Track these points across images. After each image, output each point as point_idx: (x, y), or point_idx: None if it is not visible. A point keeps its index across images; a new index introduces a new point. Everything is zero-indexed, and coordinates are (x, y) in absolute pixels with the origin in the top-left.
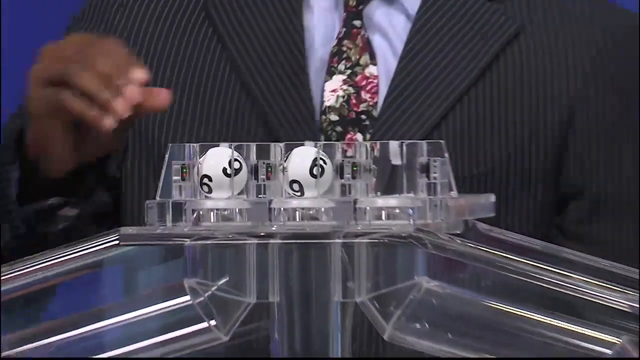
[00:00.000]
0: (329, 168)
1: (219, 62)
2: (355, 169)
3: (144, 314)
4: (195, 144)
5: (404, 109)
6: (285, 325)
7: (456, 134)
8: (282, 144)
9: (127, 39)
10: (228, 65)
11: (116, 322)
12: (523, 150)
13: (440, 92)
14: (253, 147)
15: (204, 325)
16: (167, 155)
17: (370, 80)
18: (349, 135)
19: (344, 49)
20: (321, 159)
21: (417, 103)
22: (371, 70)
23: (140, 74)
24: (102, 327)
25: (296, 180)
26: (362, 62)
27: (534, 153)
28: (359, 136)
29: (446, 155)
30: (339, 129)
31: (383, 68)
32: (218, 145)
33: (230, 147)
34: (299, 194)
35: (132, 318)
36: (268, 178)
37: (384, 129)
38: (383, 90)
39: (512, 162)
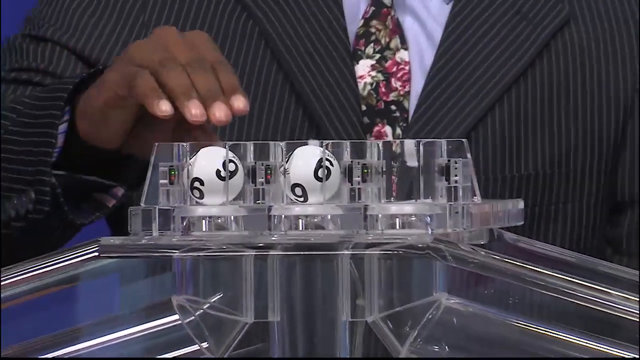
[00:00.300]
0: (336, 170)
1: (257, 50)
2: (365, 171)
3: (126, 336)
4: (184, 143)
5: (443, 102)
6: (287, 348)
7: (504, 130)
8: (282, 143)
9: None
10: (268, 54)
11: (95, 345)
12: (576, 149)
13: (484, 83)
14: (250, 146)
15: (195, 347)
16: (152, 156)
17: (401, 66)
18: (377, 128)
19: (372, 30)
20: (327, 159)
21: (458, 95)
22: (402, 55)
23: (241, 102)
24: (79, 350)
25: (299, 184)
26: (392, 45)
27: (588, 153)
28: (388, 129)
29: (469, 155)
30: (366, 120)
31: (416, 53)
32: (211, 145)
33: (225, 147)
34: (301, 199)
35: (113, 340)
36: (267, 181)
37: (421, 123)
38: (416, 79)
39: (563, 162)
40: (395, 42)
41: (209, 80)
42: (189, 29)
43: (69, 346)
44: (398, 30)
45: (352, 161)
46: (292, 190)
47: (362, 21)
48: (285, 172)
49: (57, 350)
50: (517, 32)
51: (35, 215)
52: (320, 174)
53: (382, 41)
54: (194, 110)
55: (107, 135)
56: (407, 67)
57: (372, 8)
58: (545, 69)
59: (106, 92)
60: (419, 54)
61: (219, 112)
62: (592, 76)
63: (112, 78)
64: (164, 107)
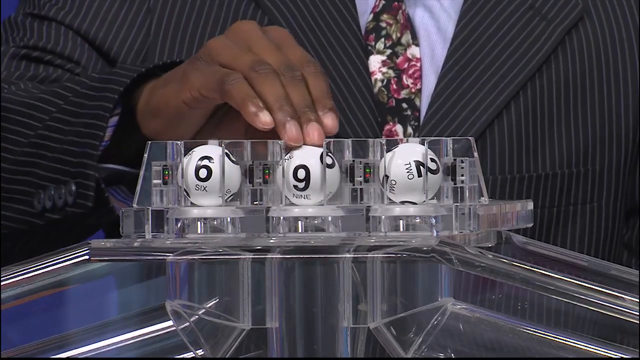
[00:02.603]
0: (336, 169)
1: None
2: (367, 170)
3: (118, 342)
4: (179, 142)
5: (456, 100)
6: (286, 355)
7: (520, 128)
8: (281, 141)
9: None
10: None
11: (84, 352)
12: (594, 148)
13: (498, 80)
14: (247, 145)
15: (190, 355)
16: (145, 155)
17: (412, 63)
18: (387, 127)
19: (383, 24)
20: (328, 155)
21: (472, 93)
22: (413, 51)
23: (331, 120)
24: (67, 357)
25: (303, 165)
26: (403, 41)
27: (606, 152)
28: (399, 128)
29: (475, 154)
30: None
31: (427, 49)
32: (206, 143)
33: (221, 145)
34: (303, 184)
35: (104, 347)
36: (265, 181)
37: (433, 122)
38: (428, 76)
39: (581, 162)
40: (407, 37)
41: (302, 94)
42: (195, 18)
43: (58, 353)
44: (409, 25)
45: (353, 160)
46: (294, 174)
47: (372, 15)
48: (288, 158)
49: (45, 358)
50: (530, 28)
51: (75, 209)
52: (326, 160)
53: (393, 36)
54: (291, 133)
55: (179, 133)
56: (418, 64)
57: (382, 2)
58: (561, 65)
59: (189, 92)
60: (430, 50)
61: (313, 133)
62: (609, 73)
63: (197, 78)
64: (266, 119)
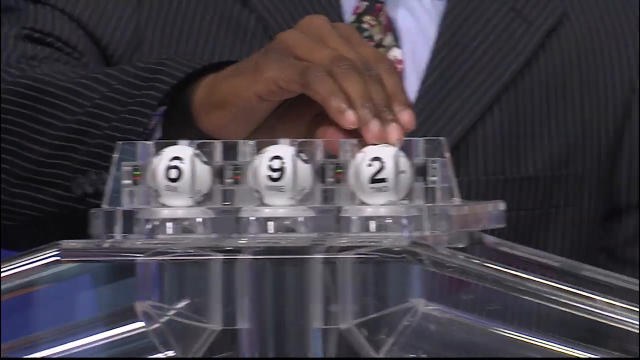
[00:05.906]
0: (310, 167)
1: (253, 44)
2: (339, 171)
3: (87, 344)
4: (149, 142)
5: (439, 102)
6: (257, 356)
7: (503, 131)
8: (252, 142)
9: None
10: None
11: (55, 353)
12: (575, 151)
13: (481, 82)
14: (218, 145)
15: (160, 355)
16: (115, 155)
17: (395, 64)
18: None
19: (365, 26)
20: (299, 156)
21: (454, 95)
22: (395, 53)
23: (407, 116)
24: (42, 358)
25: (279, 157)
26: (385, 43)
27: (587, 155)
28: None
29: (447, 154)
30: None
31: (409, 52)
32: (176, 144)
33: (191, 145)
34: (277, 174)
35: (73, 349)
36: (236, 182)
37: (417, 123)
38: (410, 78)
39: (562, 164)
40: (389, 39)
41: (380, 92)
42: (184, 13)
43: (27, 354)
44: (391, 27)
45: (325, 160)
46: (269, 166)
47: (354, 16)
48: (262, 152)
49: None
50: (512, 30)
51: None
52: (302, 156)
53: (376, 38)
54: (374, 131)
55: (242, 126)
56: (400, 66)
57: (365, 3)
58: (542, 68)
59: (264, 84)
60: (412, 52)
61: (394, 134)
62: (588, 76)
63: (274, 69)
64: (351, 119)
